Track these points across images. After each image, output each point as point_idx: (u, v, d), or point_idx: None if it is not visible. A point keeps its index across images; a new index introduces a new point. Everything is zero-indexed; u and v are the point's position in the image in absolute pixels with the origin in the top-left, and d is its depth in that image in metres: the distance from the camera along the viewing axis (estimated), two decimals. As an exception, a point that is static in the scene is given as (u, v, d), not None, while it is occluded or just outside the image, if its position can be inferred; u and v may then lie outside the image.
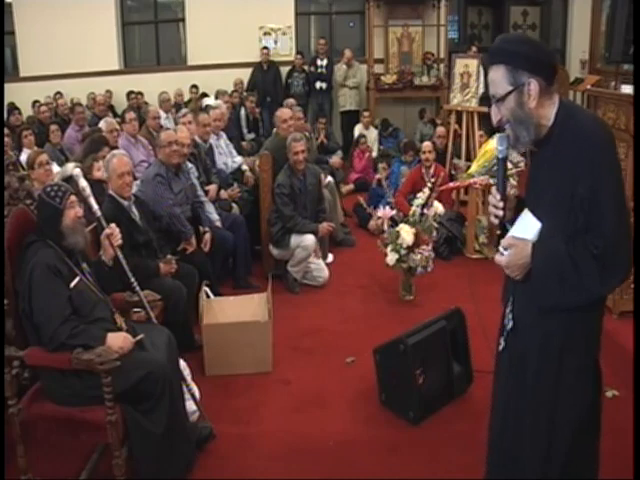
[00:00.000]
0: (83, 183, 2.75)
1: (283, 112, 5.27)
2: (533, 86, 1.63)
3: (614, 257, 1.59)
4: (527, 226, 1.72)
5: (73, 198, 2.48)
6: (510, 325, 1.83)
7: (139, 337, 2.45)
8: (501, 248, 1.74)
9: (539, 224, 1.69)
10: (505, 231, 1.76)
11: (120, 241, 2.76)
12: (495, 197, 1.73)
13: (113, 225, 2.76)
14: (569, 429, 1.74)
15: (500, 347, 1.90)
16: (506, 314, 1.87)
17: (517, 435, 1.85)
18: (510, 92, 1.65)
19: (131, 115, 5.35)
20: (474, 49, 8.48)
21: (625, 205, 1.66)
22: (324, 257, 4.97)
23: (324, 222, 4.62)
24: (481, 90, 6.41)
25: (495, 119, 1.73)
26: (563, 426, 1.74)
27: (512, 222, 1.78)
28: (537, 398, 1.77)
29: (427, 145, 5.54)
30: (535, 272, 1.68)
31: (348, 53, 8.44)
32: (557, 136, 1.66)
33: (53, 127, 5.93)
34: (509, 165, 4.83)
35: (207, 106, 5.90)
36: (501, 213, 1.74)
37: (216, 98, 7.26)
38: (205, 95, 8.01)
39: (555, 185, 1.65)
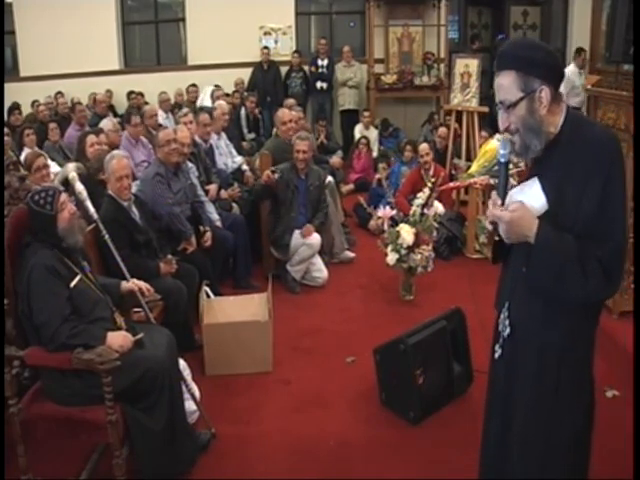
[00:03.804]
0: (79, 187, 2.74)
1: (284, 114, 5.26)
2: (544, 93, 1.60)
3: (617, 263, 1.57)
4: (533, 197, 1.65)
5: (63, 197, 2.42)
6: (507, 332, 1.79)
7: (139, 336, 2.45)
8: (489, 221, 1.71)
9: (544, 199, 1.63)
10: (502, 240, 1.69)
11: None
12: (495, 203, 1.67)
13: (136, 281, 2.73)
14: (566, 441, 1.73)
15: (496, 355, 1.85)
16: (501, 320, 1.82)
17: (511, 446, 1.82)
18: (521, 99, 1.61)
19: (137, 120, 5.21)
20: (476, 44, 8.47)
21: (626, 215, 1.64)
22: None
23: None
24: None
25: (503, 126, 1.68)
26: (560, 438, 1.73)
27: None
28: (535, 408, 1.74)
29: (424, 148, 5.51)
30: (536, 253, 1.60)
31: (346, 49, 8.47)
32: (564, 143, 1.63)
33: (52, 125, 5.92)
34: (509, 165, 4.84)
35: (202, 108, 5.89)
36: None
37: (212, 97, 7.22)
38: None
39: (561, 190, 1.61)
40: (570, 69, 7.26)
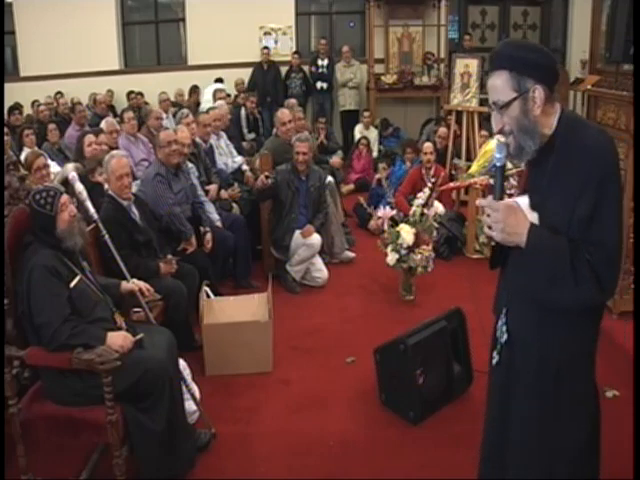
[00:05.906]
0: (79, 187, 2.74)
1: (284, 114, 5.26)
2: (538, 93, 1.57)
3: (609, 270, 1.54)
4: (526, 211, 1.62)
5: (64, 199, 2.41)
6: (505, 338, 1.77)
7: (139, 336, 2.45)
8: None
9: (535, 215, 1.61)
10: (500, 245, 1.66)
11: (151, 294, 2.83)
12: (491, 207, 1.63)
13: (137, 281, 2.76)
14: (570, 452, 1.69)
15: (494, 361, 1.83)
16: (499, 326, 1.80)
17: (510, 456, 1.79)
18: (514, 99, 1.58)
19: (129, 115, 5.41)
20: (467, 41, 8.45)
21: (622, 221, 1.62)
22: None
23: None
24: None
25: (497, 127, 1.64)
26: (563, 449, 1.69)
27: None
28: (535, 419, 1.71)
29: (428, 146, 5.53)
30: (528, 256, 1.58)
31: (346, 49, 8.48)
32: (559, 146, 1.59)
33: (51, 126, 5.94)
34: (509, 165, 4.83)
35: (200, 111, 5.91)
36: None
37: (214, 98, 7.24)
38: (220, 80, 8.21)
39: (557, 195, 1.58)
40: None
